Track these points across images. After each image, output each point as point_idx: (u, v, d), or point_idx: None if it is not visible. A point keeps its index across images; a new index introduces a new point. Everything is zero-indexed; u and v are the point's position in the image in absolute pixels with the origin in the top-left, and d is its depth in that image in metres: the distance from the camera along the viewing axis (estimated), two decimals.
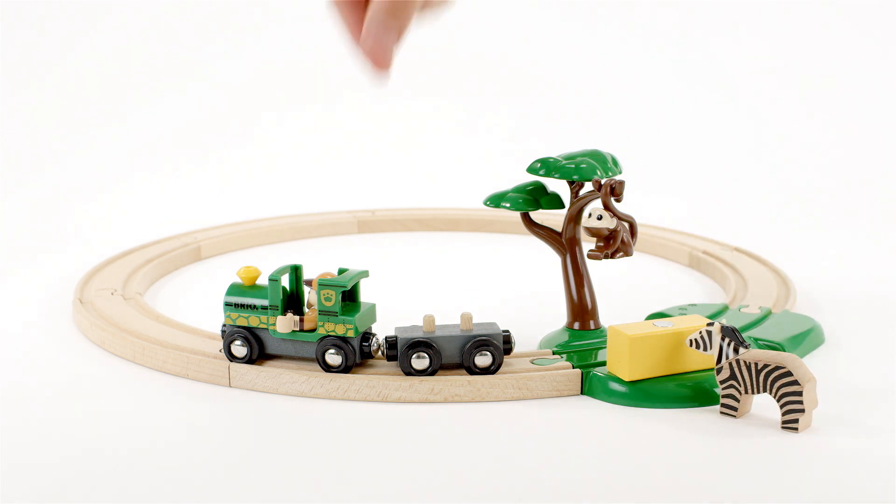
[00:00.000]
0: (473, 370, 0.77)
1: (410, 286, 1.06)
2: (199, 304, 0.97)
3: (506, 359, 0.79)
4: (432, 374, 0.76)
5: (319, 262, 0.89)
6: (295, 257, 0.86)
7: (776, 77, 1.65)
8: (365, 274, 0.79)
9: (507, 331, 0.78)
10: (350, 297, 0.78)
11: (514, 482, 0.65)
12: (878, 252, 1.18)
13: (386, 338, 0.77)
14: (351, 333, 0.76)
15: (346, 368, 0.76)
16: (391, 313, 0.83)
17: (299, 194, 1.44)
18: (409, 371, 0.76)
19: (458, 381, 0.76)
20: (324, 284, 0.76)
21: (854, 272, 1.10)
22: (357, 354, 0.77)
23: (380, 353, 0.78)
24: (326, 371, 0.77)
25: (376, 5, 0.69)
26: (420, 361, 0.76)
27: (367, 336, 0.77)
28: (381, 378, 0.76)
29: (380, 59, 0.69)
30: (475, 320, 0.79)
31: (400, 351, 0.76)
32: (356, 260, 0.90)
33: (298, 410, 0.75)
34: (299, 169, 1.55)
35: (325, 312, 0.76)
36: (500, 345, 0.77)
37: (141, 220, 1.29)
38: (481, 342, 0.76)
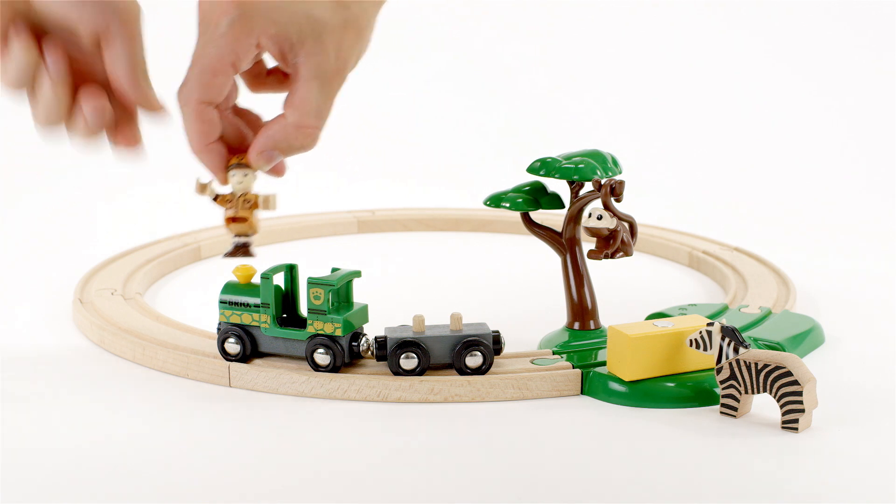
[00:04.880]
0: (464, 371, 0.77)
1: (410, 286, 1.06)
2: (199, 304, 0.97)
3: (505, 359, 0.79)
4: (420, 374, 0.76)
5: (319, 262, 0.89)
6: (295, 257, 0.86)
7: (776, 76, 1.65)
8: (357, 274, 0.79)
9: (497, 331, 0.78)
10: (343, 298, 0.78)
11: (514, 482, 0.65)
12: (878, 252, 1.18)
13: (375, 338, 0.77)
14: (339, 332, 0.76)
15: (334, 368, 0.76)
16: (391, 313, 0.83)
17: (299, 194, 1.44)
18: (398, 371, 0.76)
19: (458, 381, 0.76)
20: (313, 283, 0.76)
21: (854, 272, 1.10)
22: (346, 354, 0.77)
23: (370, 352, 0.78)
24: (315, 370, 0.77)
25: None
26: (408, 361, 0.76)
27: (356, 336, 0.77)
28: (381, 378, 0.76)
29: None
30: (476, 320, 0.79)
31: (389, 351, 0.76)
32: (356, 260, 0.90)
33: (298, 410, 0.75)
34: (299, 169, 1.55)
35: (314, 311, 0.76)
36: (490, 345, 0.77)
37: (141, 220, 1.29)
38: (471, 343, 0.76)
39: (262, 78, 0.76)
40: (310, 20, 0.69)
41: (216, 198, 0.75)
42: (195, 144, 0.72)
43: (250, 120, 0.76)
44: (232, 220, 0.76)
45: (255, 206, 0.75)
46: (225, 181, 0.74)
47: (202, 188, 0.75)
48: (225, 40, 0.69)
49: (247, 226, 0.76)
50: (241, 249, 0.76)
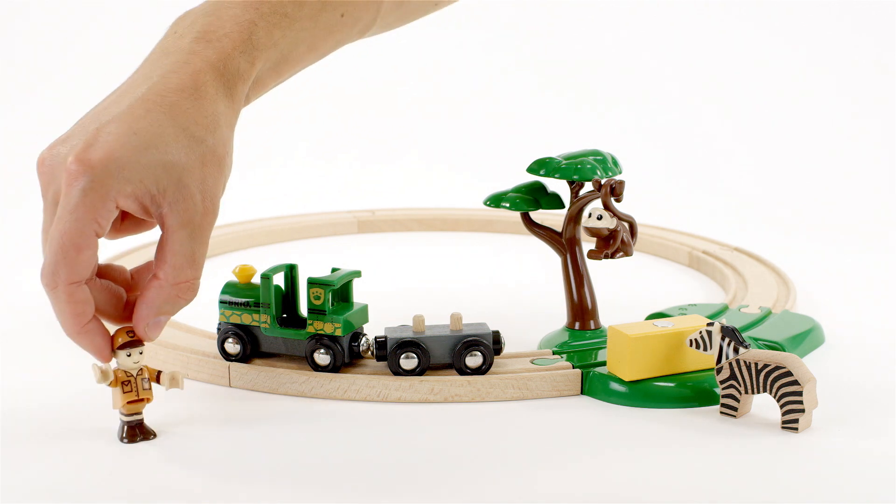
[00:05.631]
0: (465, 371, 0.77)
1: (410, 286, 1.06)
2: (199, 304, 0.97)
3: (505, 359, 0.79)
4: (420, 374, 0.76)
5: (319, 262, 0.89)
6: (295, 257, 0.86)
7: (776, 76, 1.65)
8: (357, 274, 0.79)
9: (497, 331, 0.78)
10: (343, 298, 0.78)
11: (513, 482, 0.65)
12: (878, 252, 1.18)
13: (375, 338, 0.77)
14: (339, 332, 0.76)
15: (334, 368, 0.76)
16: (390, 313, 0.83)
17: (299, 194, 1.44)
18: (398, 371, 0.76)
19: (458, 381, 0.76)
20: (313, 283, 0.76)
21: (854, 272, 1.10)
22: (346, 354, 0.77)
23: (370, 352, 0.78)
24: (315, 370, 0.77)
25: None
26: (408, 361, 0.76)
27: (356, 335, 0.77)
28: (381, 378, 0.76)
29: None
30: (476, 320, 0.79)
31: (389, 351, 0.76)
32: (356, 260, 0.90)
33: (298, 410, 0.75)
34: (299, 169, 1.55)
35: (314, 311, 0.76)
36: (490, 345, 0.77)
37: None
38: (471, 342, 0.76)
39: (117, 225, 0.70)
40: (166, 167, 0.64)
41: (111, 381, 0.68)
42: (71, 329, 0.66)
43: (116, 277, 0.70)
44: (132, 401, 0.69)
45: (153, 381, 0.70)
46: (109, 360, 0.68)
47: (104, 375, 0.68)
48: (81, 211, 0.62)
49: (144, 403, 0.69)
50: (139, 428, 0.70)
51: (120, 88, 0.68)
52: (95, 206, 0.63)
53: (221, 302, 0.79)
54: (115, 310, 0.69)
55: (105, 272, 0.70)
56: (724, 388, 0.73)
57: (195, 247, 0.66)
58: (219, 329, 0.79)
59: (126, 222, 0.71)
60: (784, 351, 0.82)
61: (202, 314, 0.90)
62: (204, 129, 0.66)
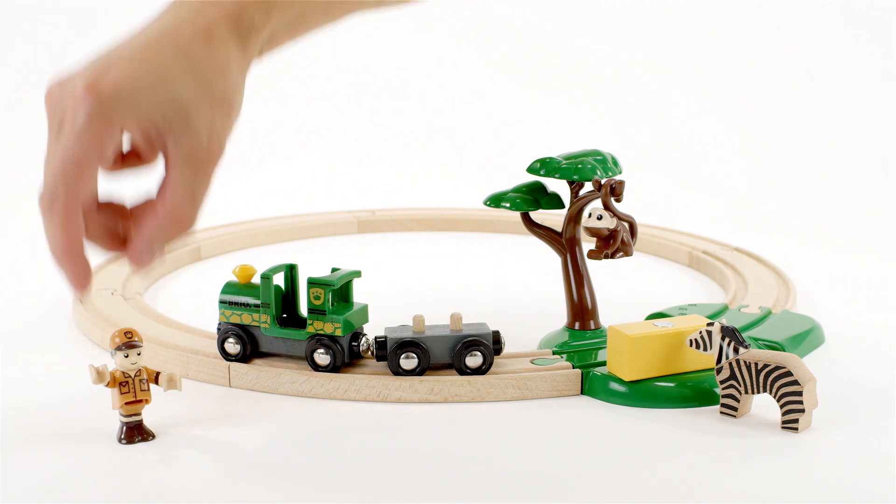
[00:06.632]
0: (464, 371, 0.77)
1: (410, 286, 1.06)
2: (199, 304, 0.97)
3: (505, 359, 0.79)
4: (420, 374, 0.76)
5: (319, 262, 0.89)
6: (295, 257, 0.86)
7: (776, 76, 1.65)
8: (357, 274, 0.79)
9: (497, 331, 0.78)
10: (343, 297, 0.78)
11: (514, 482, 0.65)
12: (878, 252, 1.18)
13: (375, 338, 0.77)
14: (339, 332, 0.76)
15: (334, 368, 0.76)
16: (390, 313, 0.83)
17: (299, 194, 1.44)
18: (398, 371, 0.76)
19: (458, 381, 0.76)
20: (313, 283, 0.76)
21: (854, 272, 1.10)
22: (346, 354, 0.77)
23: (370, 352, 0.78)
24: (315, 370, 0.77)
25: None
26: (408, 362, 0.76)
27: (356, 336, 0.77)
28: (381, 378, 0.76)
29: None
30: (476, 320, 0.79)
31: (389, 351, 0.76)
32: (356, 260, 0.90)
33: (298, 410, 0.75)
34: (299, 169, 1.55)
35: (314, 311, 0.76)
36: (490, 345, 0.77)
37: None
38: (471, 342, 0.76)
39: (119, 159, 0.69)
40: (174, 103, 0.64)
41: (108, 382, 0.68)
42: (59, 252, 0.64)
43: (116, 210, 0.69)
44: (130, 402, 0.69)
45: (151, 382, 0.70)
46: (86, 290, 0.65)
47: (100, 376, 0.68)
48: (86, 135, 0.62)
49: (142, 404, 0.69)
50: (138, 429, 0.70)
51: (134, 32, 0.68)
52: (100, 132, 0.63)
53: (221, 302, 0.79)
54: (111, 242, 0.68)
55: (104, 206, 0.69)
56: (724, 388, 0.73)
57: (197, 184, 0.66)
58: (219, 329, 0.79)
59: (129, 157, 0.70)
60: (784, 351, 0.82)
61: (202, 314, 0.90)
62: (215, 73, 0.66)
